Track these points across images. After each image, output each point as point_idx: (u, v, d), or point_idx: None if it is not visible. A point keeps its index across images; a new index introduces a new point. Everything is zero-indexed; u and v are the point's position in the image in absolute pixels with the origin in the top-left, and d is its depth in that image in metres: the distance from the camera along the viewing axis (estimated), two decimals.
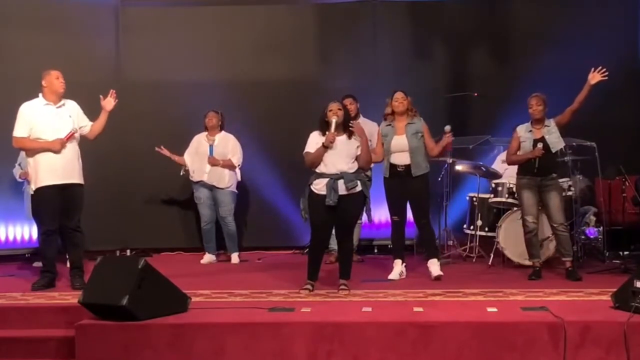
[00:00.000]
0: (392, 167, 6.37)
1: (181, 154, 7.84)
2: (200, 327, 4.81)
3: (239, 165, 7.78)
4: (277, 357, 4.72)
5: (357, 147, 5.80)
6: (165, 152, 7.75)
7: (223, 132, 7.82)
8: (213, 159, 7.66)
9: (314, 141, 5.79)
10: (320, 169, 5.75)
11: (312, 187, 5.78)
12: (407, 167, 6.31)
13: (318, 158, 5.73)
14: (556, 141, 6.36)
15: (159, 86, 8.41)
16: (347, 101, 7.54)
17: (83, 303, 4.98)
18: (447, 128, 6.32)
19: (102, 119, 6.23)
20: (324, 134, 5.76)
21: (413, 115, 6.40)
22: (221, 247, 7.96)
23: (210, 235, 7.79)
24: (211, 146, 7.72)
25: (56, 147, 5.96)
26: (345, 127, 5.82)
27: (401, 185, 6.33)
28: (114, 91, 6.22)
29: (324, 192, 5.67)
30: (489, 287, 5.89)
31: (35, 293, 5.89)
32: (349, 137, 5.80)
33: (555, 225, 6.37)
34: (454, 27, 8.66)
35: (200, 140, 7.80)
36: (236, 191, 7.84)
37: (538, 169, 6.33)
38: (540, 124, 6.40)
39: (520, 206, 6.60)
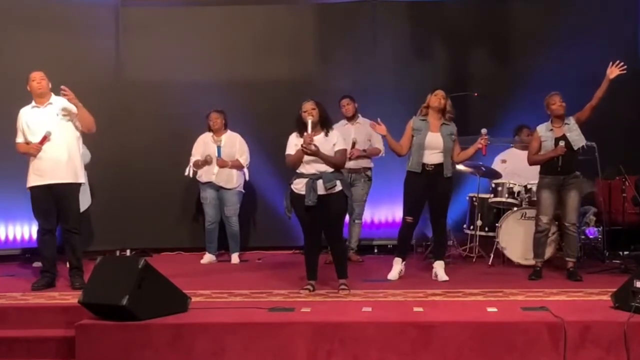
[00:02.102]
0: (423, 165, 6.27)
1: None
2: (200, 327, 4.81)
3: (246, 165, 7.79)
4: (277, 357, 4.72)
5: (334, 144, 5.80)
6: (195, 163, 7.67)
7: (229, 131, 7.82)
8: (222, 160, 7.64)
9: (293, 143, 5.81)
10: (300, 169, 5.77)
11: (293, 187, 5.80)
12: (438, 167, 6.25)
13: (299, 160, 5.75)
14: (577, 138, 6.32)
15: (159, 86, 8.41)
16: (345, 101, 7.56)
17: (83, 303, 4.98)
18: (484, 131, 6.30)
19: (80, 113, 6.10)
20: (301, 135, 5.75)
21: (449, 118, 6.36)
22: (221, 247, 7.96)
23: (213, 235, 7.78)
24: (219, 147, 7.70)
25: (32, 152, 6.03)
26: (322, 125, 5.82)
27: (426, 185, 6.25)
28: (62, 86, 6.09)
29: (303, 192, 5.69)
30: (489, 287, 5.90)
31: (35, 293, 5.89)
32: (326, 134, 5.81)
33: (567, 224, 6.36)
34: (454, 27, 8.65)
35: (206, 141, 7.76)
36: (243, 191, 7.85)
37: (561, 167, 6.30)
38: (561, 121, 6.36)
39: (537, 205, 6.57)
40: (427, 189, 6.27)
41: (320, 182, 5.69)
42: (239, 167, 7.74)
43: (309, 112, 5.74)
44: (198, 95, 8.25)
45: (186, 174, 7.77)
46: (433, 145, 6.26)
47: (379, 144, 7.48)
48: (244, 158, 7.77)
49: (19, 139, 6.16)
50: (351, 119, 7.59)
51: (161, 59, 8.47)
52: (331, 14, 8.72)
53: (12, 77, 7.92)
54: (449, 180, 6.34)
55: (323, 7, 8.76)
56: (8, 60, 8.08)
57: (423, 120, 6.34)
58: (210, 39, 8.59)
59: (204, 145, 7.75)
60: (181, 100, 8.34)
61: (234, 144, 7.77)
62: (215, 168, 7.66)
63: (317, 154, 5.67)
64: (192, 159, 7.73)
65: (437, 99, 6.31)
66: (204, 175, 7.71)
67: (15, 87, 7.58)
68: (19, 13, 8.17)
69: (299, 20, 8.74)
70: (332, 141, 5.81)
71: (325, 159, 5.71)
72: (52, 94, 6.17)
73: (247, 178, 7.89)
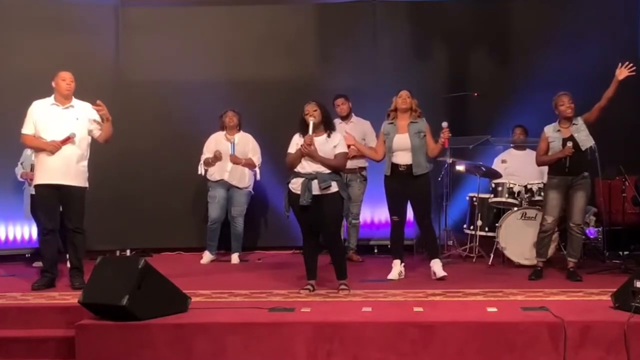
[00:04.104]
0: (394, 166, 6.36)
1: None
2: (200, 327, 4.81)
3: (259, 165, 7.79)
4: (277, 357, 4.72)
5: (334, 146, 5.82)
6: (207, 160, 7.67)
7: (242, 131, 7.83)
8: (235, 157, 7.64)
9: (295, 142, 5.85)
10: (297, 168, 5.79)
11: (290, 186, 5.82)
12: (409, 167, 6.30)
13: (297, 160, 5.78)
14: (585, 139, 6.31)
15: (159, 86, 8.40)
16: (339, 101, 7.57)
17: (83, 303, 4.98)
18: (444, 124, 6.30)
19: (106, 127, 6.19)
20: (303, 136, 5.80)
21: (417, 115, 6.40)
22: (221, 247, 7.95)
23: (215, 234, 7.76)
24: (233, 144, 7.70)
25: (50, 149, 5.98)
26: (326, 126, 5.86)
27: (402, 185, 6.33)
28: (99, 100, 6.17)
29: (299, 192, 5.71)
30: (489, 287, 5.90)
31: (35, 293, 5.88)
32: (329, 135, 5.83)
33: (572, 225, 6.35)
34: (454, 27, 8.64)
35: (219, 139, 7.76)
36: (252, 192, 7.87)
37: (569, 168, 6.29)
38: (569, 122, 6.36)
39: (543, 205, 6.57)
40: (403, 190, 6.33)
41: (315, 182, 5.70)
42: (252, 166, 7.75)
43: (311, 114, 5.80)
44: (198, 95, 8.25)
45: (199, 172, 7.77)
46: (401, 147, 6.32)
47: (373, 143, 7.47)
48: (257, 157, 7.79)
49: (28, 131, 6.07)
50: (345, 118, 7.61)
51: (161, 59, 8.46)
52: (331, 14, 8.71)
53: (12, 77, 7.95)
54: (422, 179, 6.34)
55: (323, 7, 8.75)
56: (9, 60, 8.08)
57: (391, 123, 6.43)
58: (211, 39, 8.58)
59: (216, 143, 7.74)
60: (181, 100, 8.33)
61: (247, 143, 7.79)
62: (228, 166, 7.65)
63: (312, 154, 5.71)
64: (203, 157, 7.73)
65: (402, 100, 6.39)
66: (216, 173, 7.70)
67: (16, 88, 7.61)
68: (18, 13, 8.17)
69: (300, 20, 8.73)
70: (333, 143, 5.83)
71: (321, 161, 5.74)
72: (73, 97, 6.17)
73: (258, 178, 7.88)
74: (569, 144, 6.28)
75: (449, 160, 7.58)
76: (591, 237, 7.41)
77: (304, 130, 5.82)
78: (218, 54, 8.55)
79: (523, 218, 7.06)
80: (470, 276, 6.54)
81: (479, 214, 7.42)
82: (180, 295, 5.14)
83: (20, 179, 7.49)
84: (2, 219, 8.13)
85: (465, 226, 7.67)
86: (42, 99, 6.15)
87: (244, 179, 7.72)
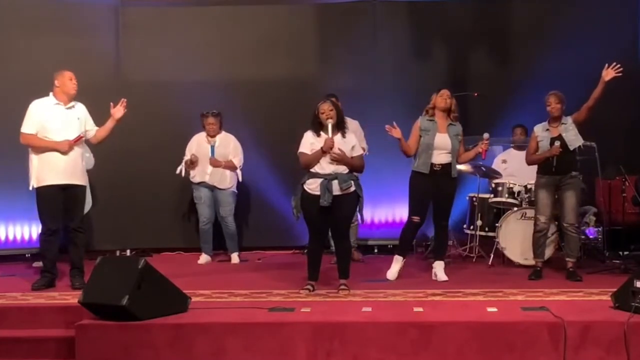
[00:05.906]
0: (431, 165, 6.25)
1: (182, 153, 7.84)
2: (200, 327, 4.81)
3: (240, 166, 7.77)
4: (277, 357, 4.72)
5: (353, 147, 5.79)
6: (186, 162, 7.67)
7: (223, 132, 7.81)
8: (215, 160, 7.64)
9: (309, 141, 5.77)
10: (315, 168, 5.72)
11: (306, 187, 5.75)
12: (445, 167, 6.24)
13: (316, 160, 5.71)
14: (574, 139, 6.31)
15: (159, 86, 8.40)
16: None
17: (83, 303, 4.98)
18: (486, 136, 6.30)
19: (109, 126, 6.23)
20: (317, 135, 5.74)
21: (454, 118, 6.36)
22: (221, 247, 7.96)
23: (208, 235, 7.77)
24: (212, 147, 7.70)
25: (64, 148, 5.97)
26: (339, 126, 5.80)
27: (433, 184, 6.24)
28: (125, 100, 6.22)
29: (317, 193, 5.65)
30: (489, 287, 5.90)
31: (35, 293, 5.89)
32: (343, 135, 5.79)
33: (566, 225, 6.35)
34: (454, 27, 8.65)
35: (199, 141, 7.77)
36: (236, 191, 7.84)
37: (556, 167, 6.30)
38: (557, 122, 6.37)
39: (535, 205, 6.57)
40: (433, 189, 6.25)
41: (335, 183, 5.65)
42: (232, 168, 7.72)
43: (327, 114, 5.72)
44: (198, 95, 8.24)
45: (177, 172, 7.75)
46: (442, 146, 6.25)
47: (362, 143, 7.45)
48: (238, 159, 7.74)
49: (31, 130, 6.01)
50: None
51: (161, 59, 8.47)
52: (331, 14, 8.71)
53: (12, 77, 7.94)
54: (455, 181, 6.34)
55: (323, 7, 8.75)
56: (9, 60, 8.09)
57: (430, 120, 6.33)
58: (210, 39, 8.58)
59: (197, 145, 7.75)
60: (181, 101, 8.33)
61: (228, 145, 7.75)
62: (208, 168, 7.65)
63: (341, 156, 5.66)
64: (185, 158, 7.73)
65: (442, 99, 6.32)
66: (197, 175, 7.70)
67: (16, 88, 7.60)
68: (18, 13, 8.17)
69: (299, 20, 8.74)
70: (350, 143, 5.79)
71: (347, 163, 5.71)
72: None
73: (240, 179, 7.85)
74: (557, 143, 6.29)
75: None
76: (591, 237, 7.41)
77: (317, 129, 5.76)
78: (218, 53, 8.55)
79: (523, 218, 7.07)
80: (470, 276, 6.55)
81: (479, 214, 7.43)
82: (180, 295, 5.14)
83: None
84: (2, 219, 8.13)
85: (465, 226, 7.67)
86: (39, 98, 6.13)
87: (225, 180, 7.69)
